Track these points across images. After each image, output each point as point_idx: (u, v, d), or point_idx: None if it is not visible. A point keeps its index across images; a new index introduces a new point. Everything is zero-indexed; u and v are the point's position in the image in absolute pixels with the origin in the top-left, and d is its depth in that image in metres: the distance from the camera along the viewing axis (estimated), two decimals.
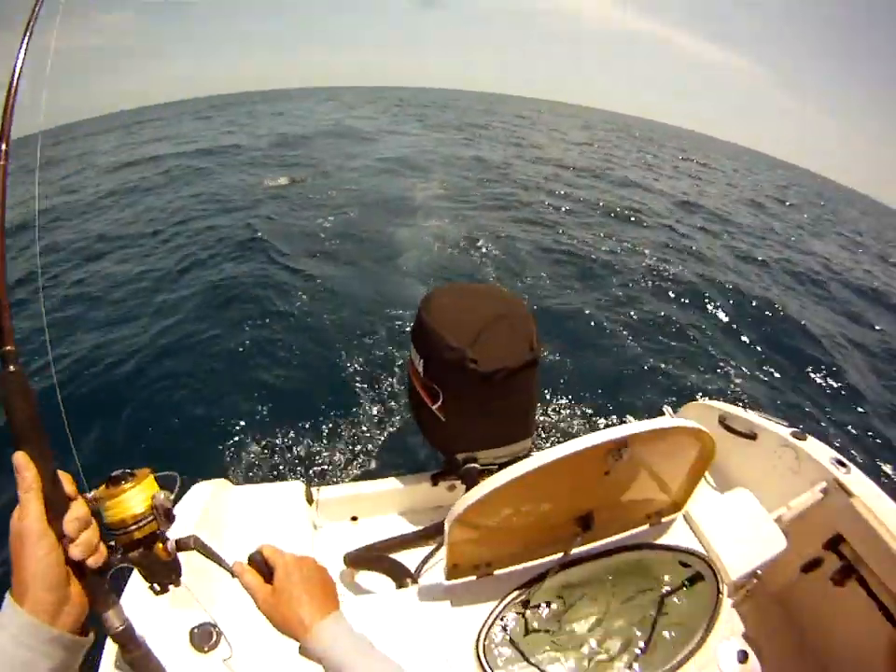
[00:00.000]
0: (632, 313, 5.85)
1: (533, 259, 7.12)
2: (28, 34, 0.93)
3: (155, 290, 5.78)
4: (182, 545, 0.89)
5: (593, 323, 5.43)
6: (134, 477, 0.86)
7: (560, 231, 8.59)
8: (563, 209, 10.21)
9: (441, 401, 1.08)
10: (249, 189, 10.54)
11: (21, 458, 0.72)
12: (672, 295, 6.58)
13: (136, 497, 0.83)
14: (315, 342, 4.79)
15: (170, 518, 0.86)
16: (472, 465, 1.30)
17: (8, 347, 0.77)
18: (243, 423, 3.68)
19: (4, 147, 0.86)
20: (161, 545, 0.86)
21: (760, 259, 9.17)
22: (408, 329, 4.57)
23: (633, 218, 10.21)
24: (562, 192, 11.84)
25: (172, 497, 0.87)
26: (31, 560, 0.67)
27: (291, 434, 3.58)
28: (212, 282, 5.97)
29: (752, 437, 1.72)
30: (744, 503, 1.57)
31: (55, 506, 0.72)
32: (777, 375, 5.14)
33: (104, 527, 0.80)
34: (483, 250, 7.17)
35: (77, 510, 0.75)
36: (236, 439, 3.54)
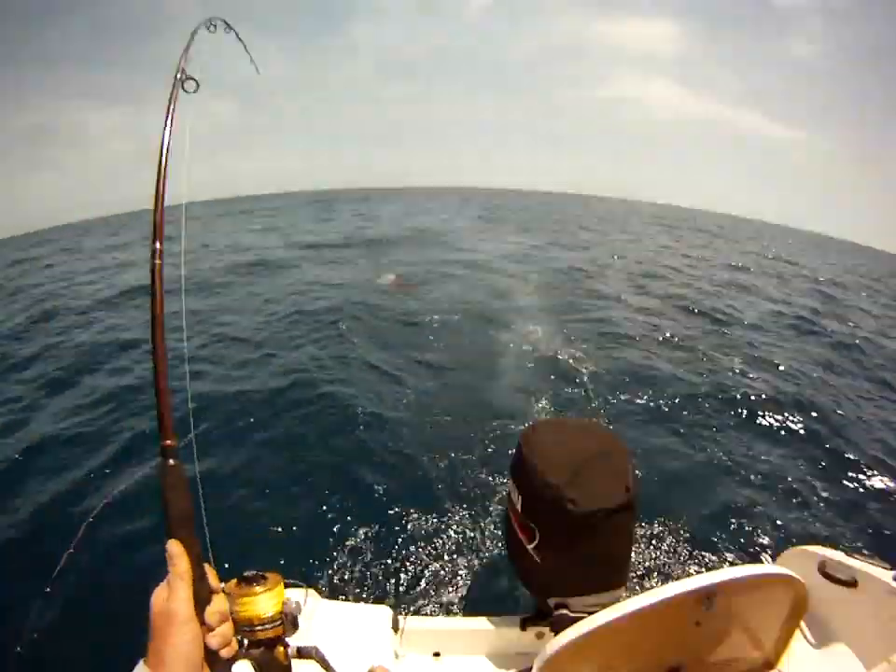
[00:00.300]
0: (733, 449, 5.34)
1: (626, 379, 6.73)
2: (168, 123, 1.12)
3: (253, 388, 6.18)
4: (303, 653, 0.97)
5: (688, 457, 5.08)
6: (267, 581, 0.91)
7: (654, 350, 8.04)
8: (657, 323, 9.59)
9: (537, 541, 1.06)
10: (357, 284, 11.23)
11: (175, 547, 0.78)
12: (782, 433, 5.90)
13: (268, 600, 0.89)
14: (409, 450, 4.79)
15: (295, 626, 0.92)
16: (564, 611, 1.20)
17: (169, 442, 0.84)
18: (331, 529, 3.72)
19: (158, 245, 0.97)
20: (281, 649, 0.90)
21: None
22: (503, 447, 4.68)
23: (744, 345, 8.88)
24: (655, 302, 11.25)
25: (302, 606, 0.93)
26: (175, 641, 0.72)
27: (379, 547, 3.57)
28: (308, 378, 6.36)
29: (853, 584, 1.54)
30: (842, 661, 1.43)
31: (200, 595, 0.77)
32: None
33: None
34: (578, 365, 7.03)
35: (220, 603, 0.81)
36: (323, 545, 3.56)
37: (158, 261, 0.97)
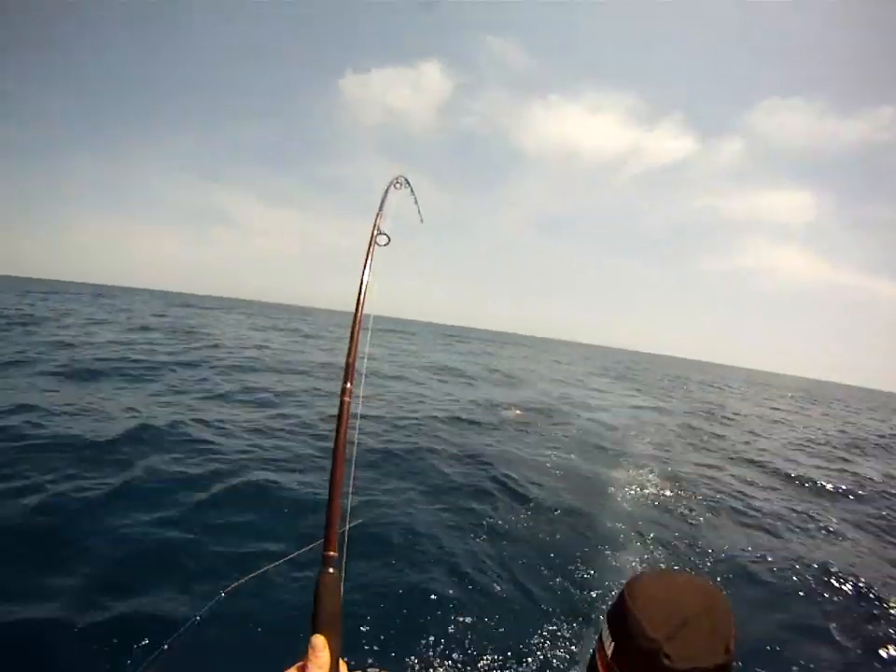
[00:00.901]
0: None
1: (732, 561, 6.09)
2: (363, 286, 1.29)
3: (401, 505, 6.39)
4: None
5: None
6: None
7: (771, 532, 7.19)
8: (772, 498, 8.77)
9: None
10: (487, 412, 12.34)
11: (319, 641, 0.86)
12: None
13: None
14: (520, 573, 4.97)
15: None
16: None
17: (332, 553, 0.95)
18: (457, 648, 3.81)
19: (349, 385, 1.11)
20: None
21: None
22: (602, 593, 4.64)
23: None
24: (770, 479, 10.30)
25: None
26: None
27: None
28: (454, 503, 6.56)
29: None
30: None
31: None
32: None
33: None
34: (687, 518, 7.08)
35: None
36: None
37: (347, 399, 1.10)
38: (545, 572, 5.04)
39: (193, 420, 8.26)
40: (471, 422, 11.15)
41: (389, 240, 1.47)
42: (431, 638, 3.83)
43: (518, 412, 12.56)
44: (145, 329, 21.30)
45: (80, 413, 7.84)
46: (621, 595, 1.09)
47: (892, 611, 5.19)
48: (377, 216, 1.54)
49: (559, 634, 4.12)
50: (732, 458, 11.66)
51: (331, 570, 0.94)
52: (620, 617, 1.05)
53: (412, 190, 2.09)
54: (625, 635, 1.02)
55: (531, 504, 6.78)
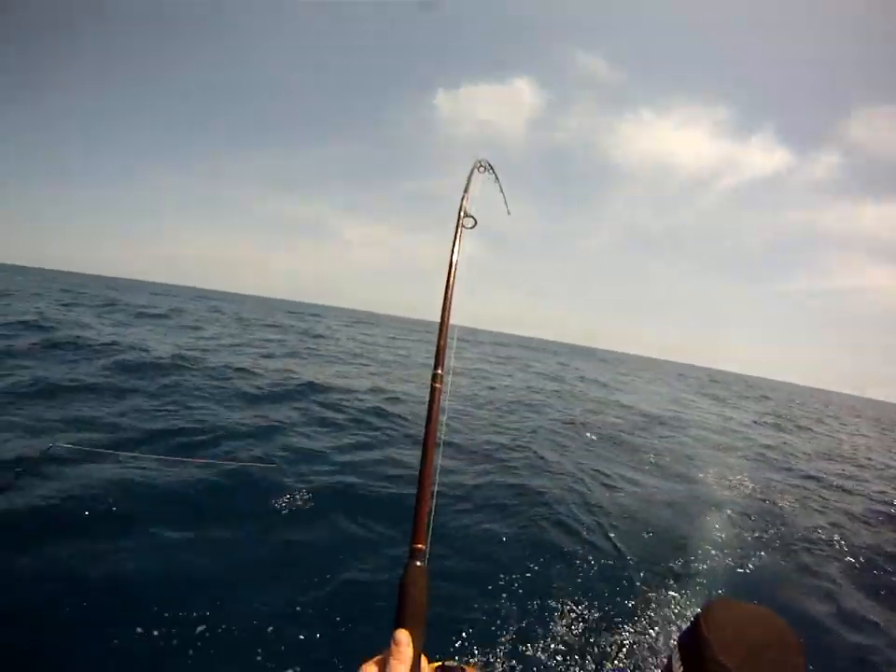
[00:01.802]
0: None
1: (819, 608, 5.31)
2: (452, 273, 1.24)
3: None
4: None
5: None
6: None
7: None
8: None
9: None
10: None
11: (403, 636, 0.84)
12: None
13: None
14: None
15: None
16: None
17: (420, 545, 0.94)
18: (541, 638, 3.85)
19: (440, 371, 1.08)
20: None
21: None
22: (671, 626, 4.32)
23: None
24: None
25: None
26: None
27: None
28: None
29: None
30: None
31: None
32: None
33: None
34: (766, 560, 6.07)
35: None
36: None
37: (438, 385, 1.06)
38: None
39: None
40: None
41: (476, 223, 1.43)
42: (510, 640, 3.79)
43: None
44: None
45: None
46: (696, 619, 1.11)
47: None
48: (463, 198, 1.50)
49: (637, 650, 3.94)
50: None
51: (419, 563, 0.92)
52: (693, 642, 1.07)
53: (496, 178, 2.03)
54: (696, 658, 1.04)
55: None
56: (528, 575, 4.64)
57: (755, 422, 20.14)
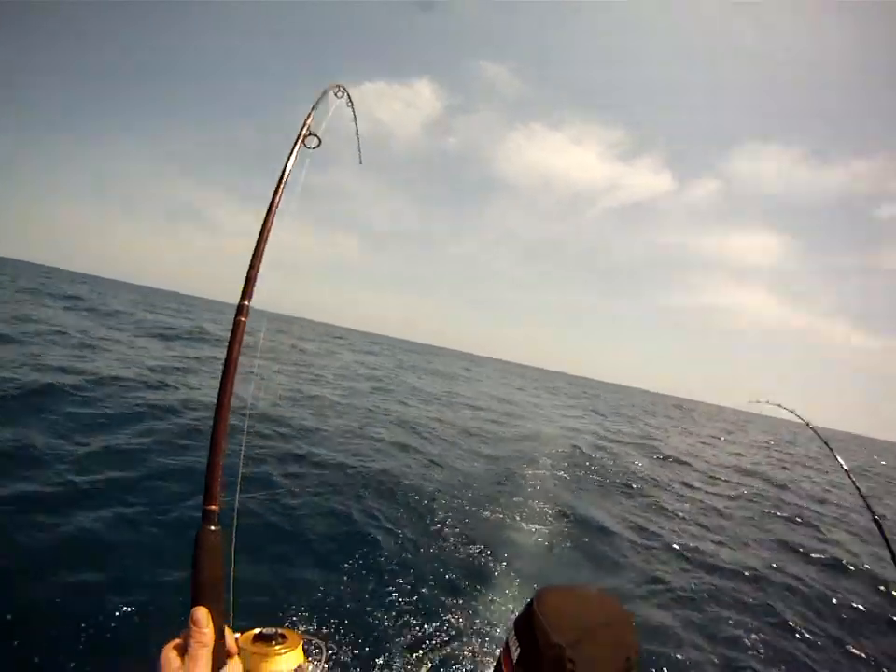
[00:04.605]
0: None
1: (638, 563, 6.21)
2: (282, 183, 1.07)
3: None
4: None
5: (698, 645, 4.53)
6: (286, 640, 0.90)
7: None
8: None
9: None
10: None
11: (202, 615, 0.75)
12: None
13: (286, 661, 0.88)
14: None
15: None
16: None
17: (213, 506, 0.82)
18: (357, 598, 3.91)
19: (246, 302, 0.91)
20: None
21: None
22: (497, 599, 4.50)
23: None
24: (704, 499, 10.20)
25: (319, 670, 0.93)
26: None
27: (402, 626, 3.72)
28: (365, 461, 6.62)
29: None
30: None
31: (218, 659, 0.76)
32: None
33: None
34: (592, 541, 6.61)
35: (235, 668, 0.80)
36: (348, 611, 3.71)
37: (242, 318, 0.89)
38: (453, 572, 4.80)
39: None
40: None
41: (320, 143, 1.25)
42: (320, 601, 3.74)
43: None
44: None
45: None
46: (529, 603, 1.13)
47: None
48: (309, 115, 1.30)
49: (462, 636, 3.89)
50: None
51: (213, 527, 0.81)
52: (526, 624, 1.09)
53: (354, 116, 1.84)
54: (531, 640, 1.06)
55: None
56: (352, 543, 4.66)
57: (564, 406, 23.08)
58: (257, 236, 0.95)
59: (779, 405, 3.38)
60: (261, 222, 0.96)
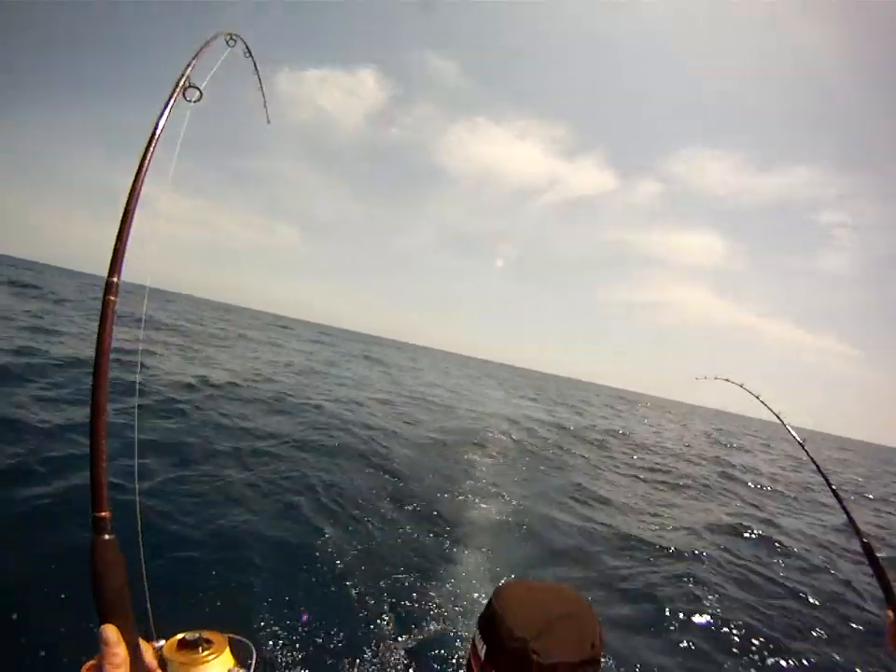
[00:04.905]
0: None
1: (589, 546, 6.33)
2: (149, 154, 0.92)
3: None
4: None
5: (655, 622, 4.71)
6: (212, 645, 0.85)
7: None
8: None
9: None
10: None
11: (111, 633, 0.70)
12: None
13: (214, 667, 0.83)
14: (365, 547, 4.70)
15: None
16: None
17: (104, 513, 0.75)
18: (278, 595, 3.63)
19: (115, 279, 0.79)
20: None
21: None
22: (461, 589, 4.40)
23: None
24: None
25: None
26: None
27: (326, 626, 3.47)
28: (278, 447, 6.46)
29: None
30: None
31: None
32: None
33: None
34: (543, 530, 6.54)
35: None
36: (270, 608, 3.49)
37: (112, 297, 0.78)
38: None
39: None
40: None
41: (201, 96, 1.10)
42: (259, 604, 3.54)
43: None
44: None
45: None
46: (489, 601, 1.15)
47: None
48: (189, 64, 1.14)
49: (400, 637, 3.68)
50: None
51: (107, 536, 0.74)
52: (489, 621, 1.12)
53: (255, 66, 1.67)
54: (495, 636, 1.09)
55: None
56: (279, 539, 4.44)
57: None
58: (124, 204, 0.80)
59: (727, 379, 3.14)
60: (128, 188, 0.82)
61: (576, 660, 1.05)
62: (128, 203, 0.81)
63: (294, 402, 9.67)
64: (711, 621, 4.81)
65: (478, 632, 1.17)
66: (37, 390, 6.47)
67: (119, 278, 0.78)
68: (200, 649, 0.84)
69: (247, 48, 1.54)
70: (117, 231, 0.80)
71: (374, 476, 6.70)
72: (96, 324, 0.72)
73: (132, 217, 0.81)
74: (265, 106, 1.80)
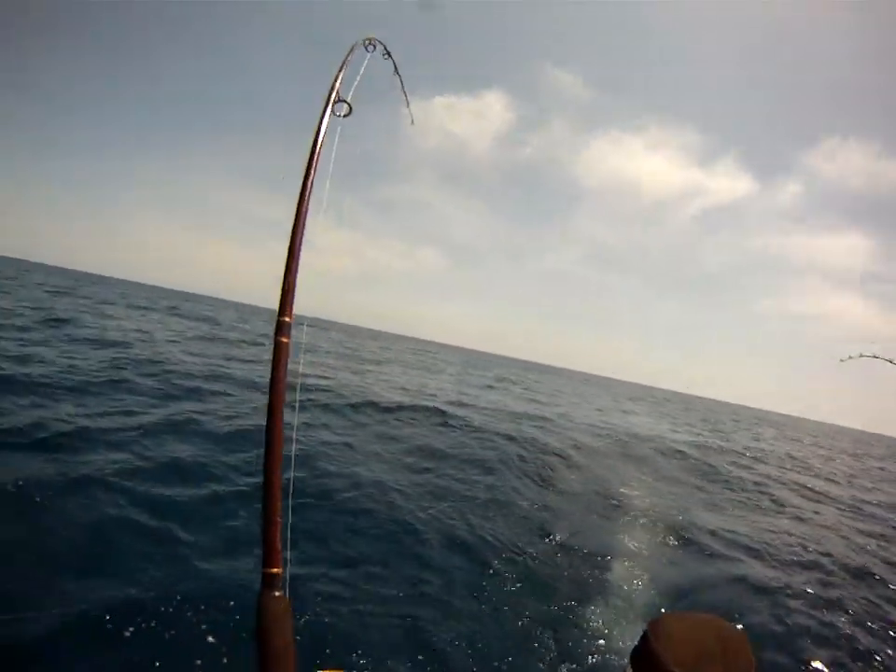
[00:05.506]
0: None
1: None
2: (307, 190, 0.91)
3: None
4: None
5: None
6: None
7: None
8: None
9: None
10: None
11: None
12: None
13: None
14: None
15: None
16: None
17: (276, 570, 0.73)
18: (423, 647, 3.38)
19: (287, 318, 0.75)
20: None
21: None
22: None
23: None
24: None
25: None
26: None
27: None
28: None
29: None
30: None
31: None
32: None
33: None
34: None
35: None
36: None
37: (284, 339, 0.73)
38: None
39: None
40: None
41: (351, 110, 1.04)
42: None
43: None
44: None
45: None
46: (644, 634, 1.10)
47: None
48: (336, 76, 1.10)
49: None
50: None
51: (276, 593, 0.72)
52: (643, 655, 1.08)
53: (395, 67, 1.62)
54: (647, 670, 1.05)
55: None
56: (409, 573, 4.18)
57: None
58: (289, 240, 0.76)
59: (875, 356, 3.20)
60: (292, 223, 0.77)
61: None
62: (293, 237, 0.76)
63: None
64: None
65: (629, 666, 1.12)
66: None
67: (290, 317, 0.73)
68: None
69: (386, 49, 1.49)
70: (283, 270, 0.75)
71: None
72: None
73: (297, 255, 0.76)
74: (408, 107, 1.76)
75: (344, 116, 1.05)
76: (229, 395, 8.21)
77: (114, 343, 10.45)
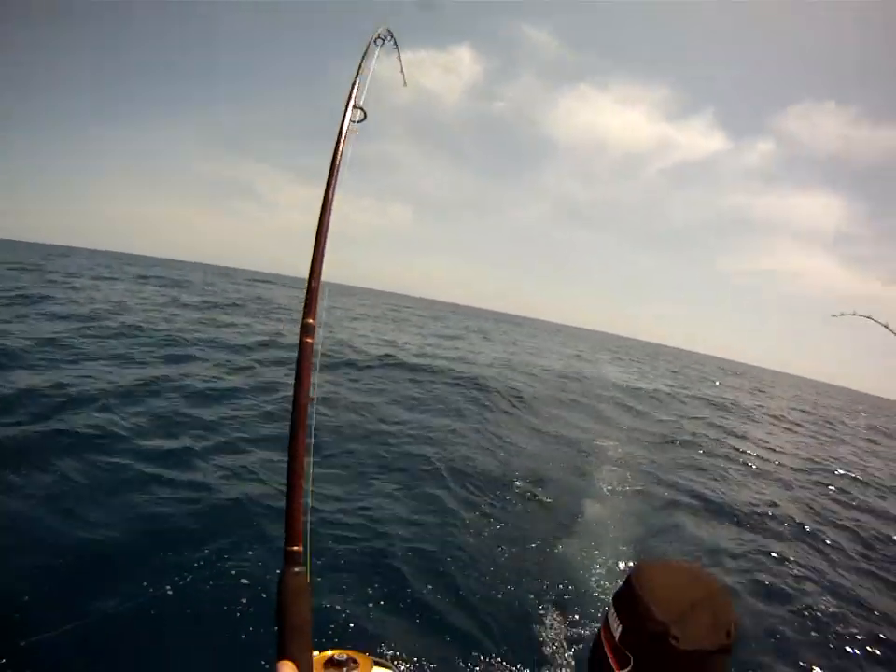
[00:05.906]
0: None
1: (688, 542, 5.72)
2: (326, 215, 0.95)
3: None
4: None
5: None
6: (357, 666, 0.88)
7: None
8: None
9: (629, 669, 1.12)
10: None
11: (288, 671, 0.71)
12: None
13: None
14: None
15: None
16: None
17: (296, 547, 0.77)
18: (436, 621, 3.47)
19: (311, 320, 0.80)
20: None
21: None
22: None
23: None
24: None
25: None
26: None
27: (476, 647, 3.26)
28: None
29: None
30: None
31: None
32: None
33: None
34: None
35: None
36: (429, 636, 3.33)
37: (309, 339, 0.79)
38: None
39: None
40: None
41: (365, 116, 1.10)
42: (407, 627, 3.38)
43: None
44: None
45: None
46: (628, 579, 1.14)
47: None
48: (354, 83, 1.14)
49: (549, 620, 3.51)
50: None
51: (297, 570, 0.77)
52: (628, 601, 1.11)
53: (396, 47, 1.66)
54: (634, 618, 1.08)
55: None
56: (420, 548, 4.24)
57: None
58: (312, 248, 0.81)
59: (869, 317, 3.10)
60: (315, 229, 0.83)
61: (712, 648, 1.04)
62: (315, 250, 0.81)
63: None
64: None
65: (613, 610, 1.15)
66: None
67: (315, 319, 0.80)
68: (345, 669, 0.87)
69: (395, 41, 1.51)
70: (308, 270, 0.81)
71: None
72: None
73: (321, 261, 0.82)
74: (402, 71, 1.78)
75: (359, 122, 1.10)
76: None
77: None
